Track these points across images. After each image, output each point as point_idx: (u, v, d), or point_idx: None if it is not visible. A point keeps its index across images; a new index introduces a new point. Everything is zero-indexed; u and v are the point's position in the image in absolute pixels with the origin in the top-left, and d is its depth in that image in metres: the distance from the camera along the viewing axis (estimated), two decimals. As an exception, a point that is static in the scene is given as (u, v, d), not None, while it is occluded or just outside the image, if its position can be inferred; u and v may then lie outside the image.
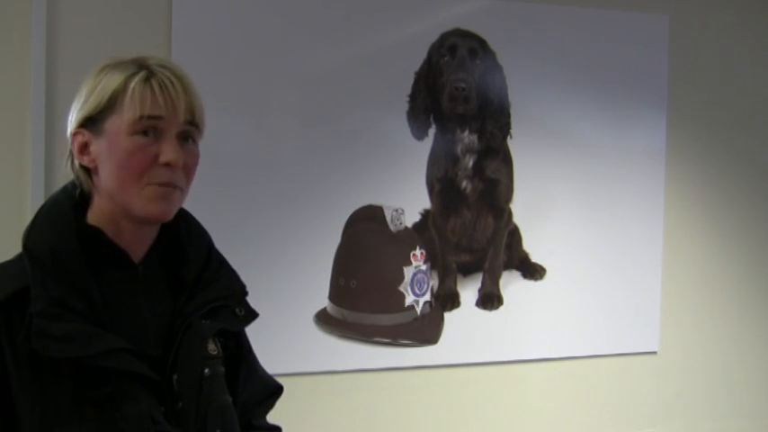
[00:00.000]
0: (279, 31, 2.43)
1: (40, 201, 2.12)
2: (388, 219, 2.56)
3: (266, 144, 2.45)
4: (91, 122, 1.13)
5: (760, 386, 3.10)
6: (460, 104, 2.62)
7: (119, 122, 1.11)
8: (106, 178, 1.13)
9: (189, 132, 1.15)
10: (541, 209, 2.75)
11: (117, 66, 1.14)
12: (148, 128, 1.11)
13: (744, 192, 3.06)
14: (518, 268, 2.75)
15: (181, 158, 1.12)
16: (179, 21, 2.31)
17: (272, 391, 1.39)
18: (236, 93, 2.39)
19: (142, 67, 1.13)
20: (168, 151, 1.11)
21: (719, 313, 3.04)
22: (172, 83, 1.12)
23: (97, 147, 1.13)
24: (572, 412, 2.82)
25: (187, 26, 2.32)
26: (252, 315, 1.28)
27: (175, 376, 1.14)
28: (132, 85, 1.11)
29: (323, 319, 2.50)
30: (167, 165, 1.11)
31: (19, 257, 1.13)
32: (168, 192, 1.13)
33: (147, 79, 1.11)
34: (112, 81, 1.12)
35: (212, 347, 1.19)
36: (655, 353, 2.92)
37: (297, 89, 2.47)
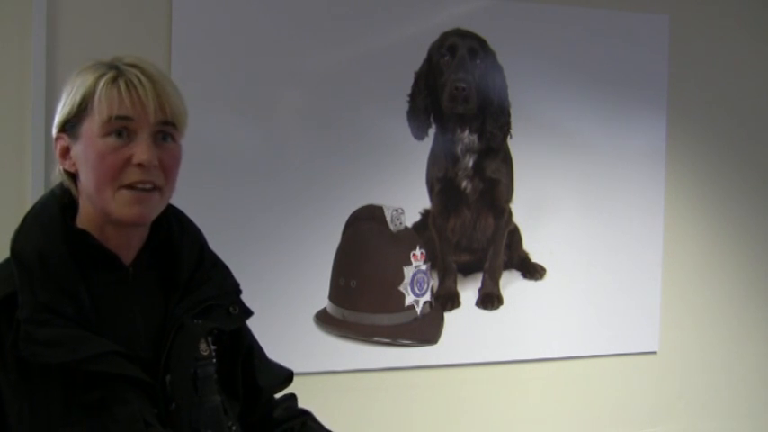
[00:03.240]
0: (278, 32, 2.43)
1: (40, 201, 2.12)
2: (388, 219, 2.55)
3: (266, 144, 2.45)
4: (69, 126, 1.13)
5: (760, 386, 3.10)
6: (460, 104, 2.62)
7: (91, 125, 1.11)
8: (85, 182, 1.13)
9: (165, 131, 1.14)
10: (541, 209, 2.75)
11: (92, 67, 1.14)
12: (120, 129, 1.10)
13: (744, 192, 3.06)
14: (518, 268, 2.75)
15: (154, 158, 1.11)
16: (179, 21, 2.31)
17: (283, 379, 1.39)
18: (235, 93, 2.39)
19: (112, 68, 1.12)
20: (140, 152, 1.10)
21: (719, 313, 3.04)
22: (140, 81, 1.11)
23: (76, 151, 1.13)
24: (572, 412, 2.82)
25: (187, 26, 2.32)
26: (246, 313, 1.28)
27: (168, 377, 1.13)
28: (100, 86, 1.10)
29: (323, 319, 2.50)
30: (140, 165, 1.10)
31: (7, 261, 1.12)
32: (143, 196, 1.12)
33: (114, 80, 1.10)
34: (84, 83, 1.12)
35: (203, 348, 1.18)
36: (655, 353, 2.92)
37: (297, 89, 2.47)
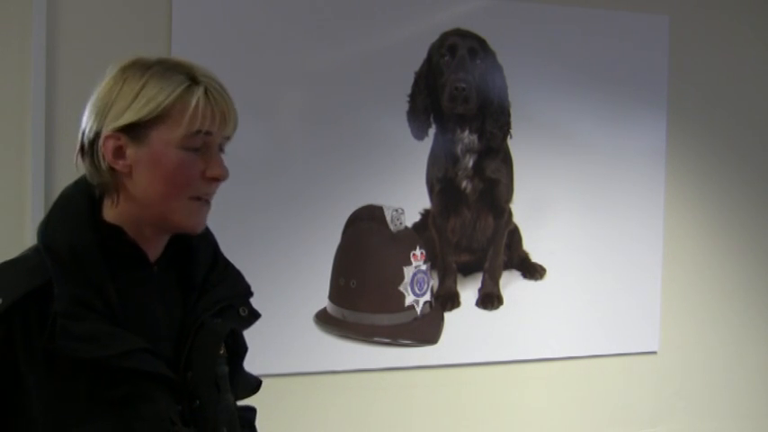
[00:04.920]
0: (279, 32, 2.43)
1: (40, 201, 2.12)
2: (388, 219, 2.56)
3: (266, 144, 2.45)
4: (131, 128, 1.10)
5: (760, 386, 3.10)
6: (460, 104, 2.62)
7: (168, 134, 1.09)
8: (144, 186, 1.11)
9: (223, 144, 1.16)
10: (541, 209, 2.75)
11: (158, 72, 1.11)
12: (201, 142, 1.11)
13: (744, 192, 3.06)
14: (518, 268, 2.75)
15: (228, 173, 1.14)
16: (179, 21, 2.31)
17: (254, 387, 1.39)
18: (234, 93, 2.36)
19: (193, 79, 1.12)
20: (215, 166, 1.13)
21: (719, 313, 3.04)
22: (223, 98, 1.13)
23: (136, 153, 1.10)
24: (572, 412, 2.82)
25: (187, 26, 2.32)
26: (255, 316, 1.28)
27: (190, 374, 1.13)
28: (194, 100, 1.10)
29: (323, 319, 2.50)
30: (214, 179, 1.13)
31: (35, 251, 1.11)
32: (205, 207, 1.15)
33: (205, 93, 1.11)
34: (164, 91, 1.09)
35: (221, 347, 1.20)
36: (655, 353, 2.92)
37: (297, 89, 2.47)
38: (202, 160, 1.12)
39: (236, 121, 1.16)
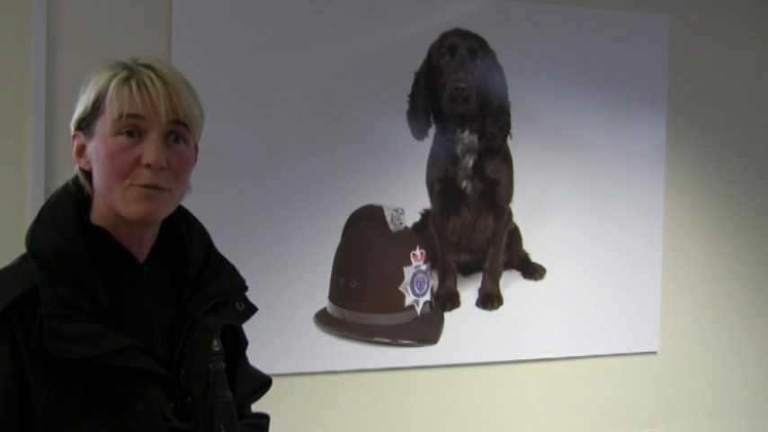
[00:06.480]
0: (279, 31, 2.43)
1: (39, 201, 2.12)
2: (388, 219, 2.56)
3: (266, 144, 2.45)
4: (84, 124, 1.14)
5: (760, 386, 3.10)
6: (460, 104, 2.62)
7: (104, 124, 1.11)
8: (97, 180, 1.14)
9: (177, 132, 1.14)
10: (541, 209, 2.75)
11: (108, 66, 1.14)
12: (130, 128, 1.10)
13: (744, 192, 3.06)
14: (518, 268, 2.75)
15: (162, 160, 1.10)
16: (179, 21, 2.31)
17: (262, 384, 1.39)
18: (235, 93, 2.39)
19: (126, 68, 1.13)
20: (148, 152, 1.10)
21: (719, 313, 3.04)
22: (152, 82, 1.11)
23: (90, 149, 1.14)
24: (572, 412, 2.82)
25: (187, 26, 2.32)
26: (251, 310, 1.29)
27: (182, 372, 1.14)
28: (112, 85, 1.11)
29: (323, 319, 2.50)
30: (148, 166, 1.10)
31: (23, 259, 1.13)
32: (151, 193, 1.11)
33: (126, 79, 1.11)
34: (99, 82, 1.12)
35: (215, 344, 1.20)
36: (655, 353, 2.92)
37: (297, 89, 2.47)
38: (139, 147, 1.11)
39: (180, 109, 1.12)
